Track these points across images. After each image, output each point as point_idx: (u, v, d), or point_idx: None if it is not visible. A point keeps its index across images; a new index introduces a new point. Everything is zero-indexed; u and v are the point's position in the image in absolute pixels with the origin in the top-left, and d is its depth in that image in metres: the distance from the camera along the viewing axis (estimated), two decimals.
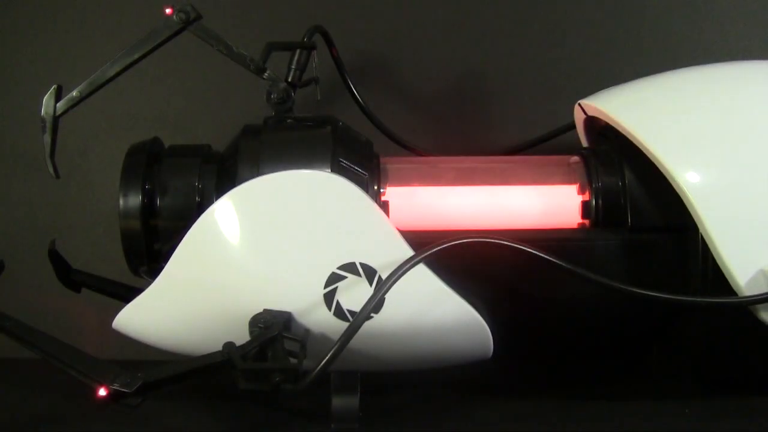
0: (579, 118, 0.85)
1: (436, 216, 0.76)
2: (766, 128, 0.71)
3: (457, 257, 0.69)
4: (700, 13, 0.97)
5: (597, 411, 0.75)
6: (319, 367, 0.66)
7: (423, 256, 0.68)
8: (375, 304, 0.68)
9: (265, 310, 0.69)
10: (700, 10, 0.97)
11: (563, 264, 0.69)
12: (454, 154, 0.89)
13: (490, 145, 0.95)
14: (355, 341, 0.67)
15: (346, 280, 0.69)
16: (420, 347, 0.72)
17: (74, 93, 0.75)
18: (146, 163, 0.75)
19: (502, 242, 0.69)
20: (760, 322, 0.70)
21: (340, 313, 0.70)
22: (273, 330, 0.67)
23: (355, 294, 0.69)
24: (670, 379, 0.81)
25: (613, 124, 0.75)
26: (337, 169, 0.73)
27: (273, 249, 0.70)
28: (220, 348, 0.67)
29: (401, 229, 0.70)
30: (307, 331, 0.70)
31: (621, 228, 0.74)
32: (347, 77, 0.88)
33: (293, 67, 0.79)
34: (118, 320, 0.73)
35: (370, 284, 0.69)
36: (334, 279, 0.69)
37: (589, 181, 0.76)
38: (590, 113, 0.82)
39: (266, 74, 0.77)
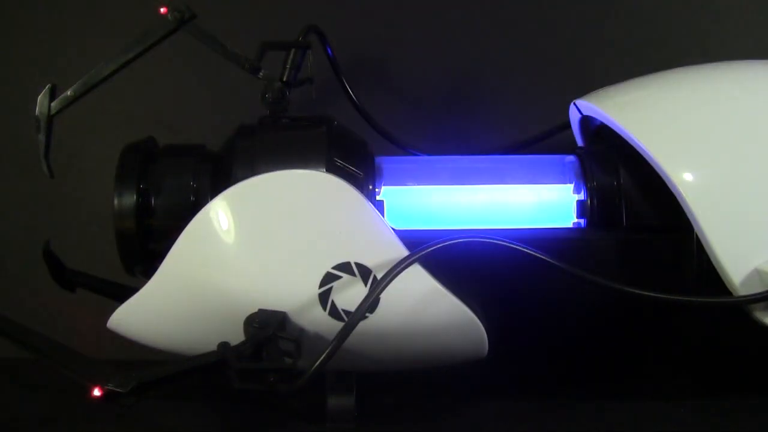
0: (574, 117, 0.85)
1: (431, 215, 0.76)
2: (761, 128, 0.71)
3: (452, 257, 0.69)
4: (700, 13, 0.97)
5: (595, 411, 0.75)
6: (314, 366, 0.66)
7: (418, 255, 0.68)
8: (370, 303, 0.68)
9: (260, 309, 0.69)
10: (699, 10, 0.97)
11: (559, 264, 0.69)
12: (450, 153, 0.89)
13: (486, 144, 0.95)
14: (350, 341, 0.67)
15: (341, 280, 0.69)
16: (415, 347, 0.71)
17: (69, 92, 0.75)
18: (141, 162, 0.75)
19: (497, 242, 0.69)
20: (756, 322, 0.70)
21: (335, 312, 0.69)
22: (268, 330, 0.67)
23: (350, 294, 0.69)
24: (669, 379, 0.81)
25: (608, 124, 0.75)
26: (332, 169, 0.73)
27: (268, 249, 0.70)
28: (215, 348, 0.67)
29: (396, 228, 0.70)
30: (302, 331, 0.70)
31: (616, 227, 0.74)
32: (342, 76, 0.88)
33: (288, 66, 0.79)
34: (112, 320, 0.73)
35: (365, 284, 0.69)
36: (329, 279, 0.69)
37: (584, 180, 0.76)
38: (585, 113, 0.82)
39: (261, 74, 0.77)
